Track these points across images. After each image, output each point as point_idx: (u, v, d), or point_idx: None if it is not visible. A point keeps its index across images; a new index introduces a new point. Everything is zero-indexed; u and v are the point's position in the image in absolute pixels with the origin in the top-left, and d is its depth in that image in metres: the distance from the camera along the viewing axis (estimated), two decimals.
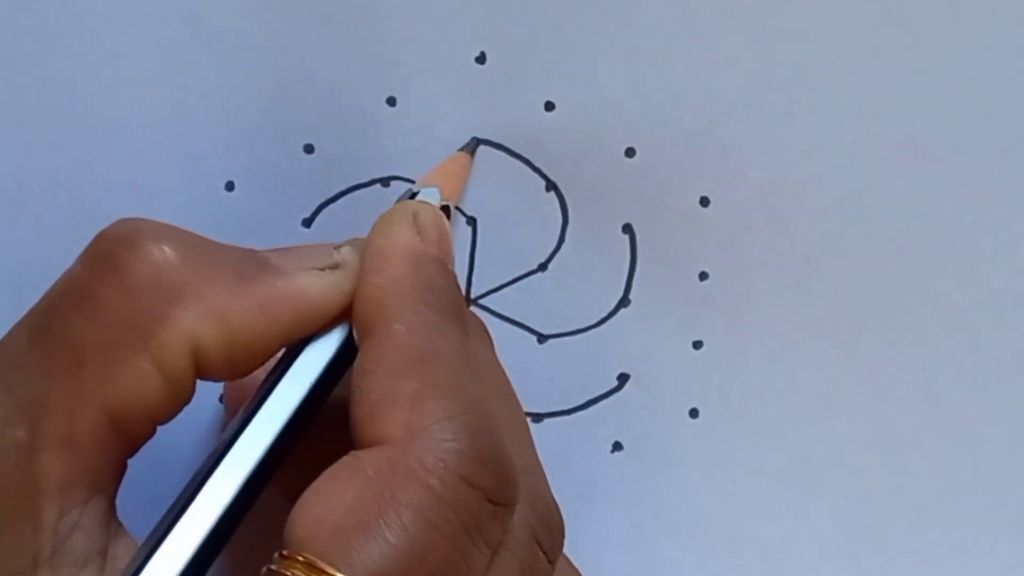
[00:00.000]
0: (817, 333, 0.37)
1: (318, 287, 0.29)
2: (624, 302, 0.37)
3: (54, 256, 0.37)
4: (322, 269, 0.29)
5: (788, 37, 0.36)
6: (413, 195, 0.33)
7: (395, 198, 0.37)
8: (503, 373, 0.32)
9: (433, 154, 0.37)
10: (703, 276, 0.37)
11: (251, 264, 0.29)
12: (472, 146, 0.36)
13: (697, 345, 0.37)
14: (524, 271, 0.37)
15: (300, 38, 0.37)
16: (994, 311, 0.37)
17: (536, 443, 0.37)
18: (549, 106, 0.36)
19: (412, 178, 0.37)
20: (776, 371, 0.37)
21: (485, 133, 0.37)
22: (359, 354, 0.28)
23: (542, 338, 0.37)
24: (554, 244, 0.37)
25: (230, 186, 0.37)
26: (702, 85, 0.36)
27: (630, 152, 0.37)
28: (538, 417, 0.37)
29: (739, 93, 0.36)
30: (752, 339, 0.37)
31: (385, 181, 0.37)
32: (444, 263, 0.30)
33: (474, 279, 0.37)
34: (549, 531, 0.29)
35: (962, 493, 0.37)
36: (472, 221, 0.37)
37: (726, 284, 0.37)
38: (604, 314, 0.37)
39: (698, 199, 0.37)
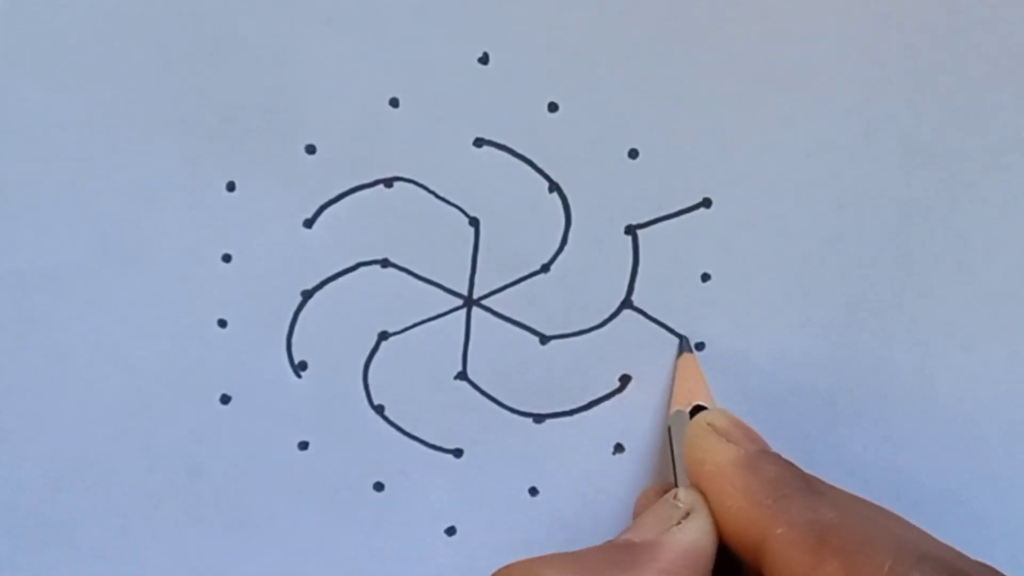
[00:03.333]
0: (818, 335, 0.37)
1: (693, 538, 0.31)
2: (626, 303, 0.37)
3: (54, 256, 0.37)
4: (679, 524, 0.31)
5: (789, 39, 0.36)
6: (690, 411, 0.34)
7: (397, 199, 0.37)
8: (861, 499, 0.33)
9: (435, 155, 0.37)
10: (705, 277, 0.37)
11: (627, 556, 0.30)
12: (686, 347, 0.37)
13: (699, 346, 0.37)
14: (527, 272, 0.37)
15: (302, 38, 0.37)
16: (992, 311, 0.37)
17: (537, 444, 0.37)
18: (552, 107, 0.36)
19: (414, 179, 0.37)
20: (778, 372, 0.37)
21: (488, 134, 0.37)
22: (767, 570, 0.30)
23: (544, 339, 0.37)
24: (557, 245, 0.37)
25: (231, 186, 0.37)
26: (704, 86, 0.36)
27: (633, 153, 0.37)
28: (539, 418, 0.37)
29: (741, 95, 0.36)
30: (754, 340, 0.37)
31: (388, 182, 0.37)
32: (764, 449, 0.32)
33: (476, 280, 0.37)
34: None
35: (963, 493, 0.38)
36: (475, 222, 0.37)
37: (728, 285, 0.37)
38: (606, 315, 0.37)
39: (701, 200, 0.37)
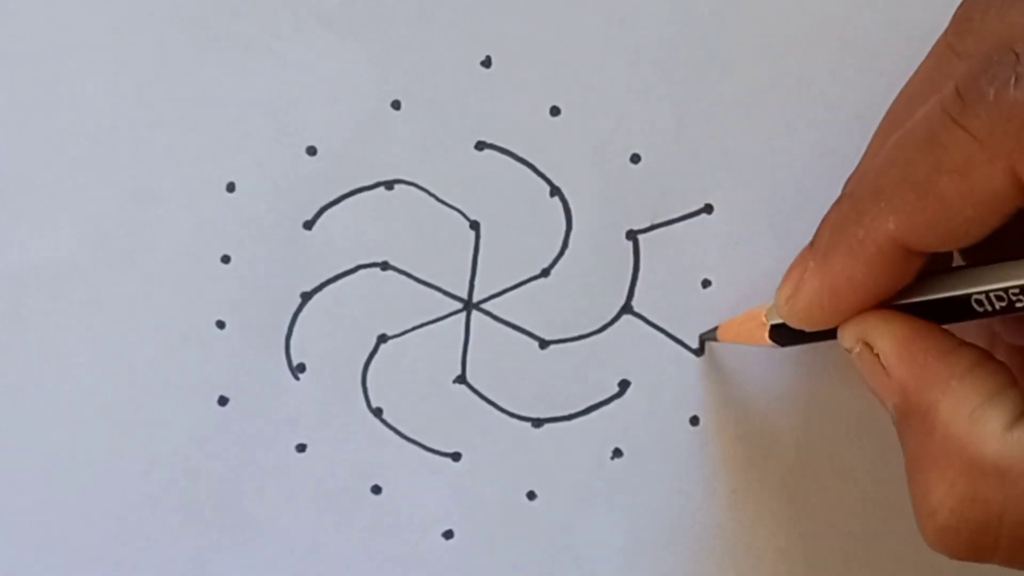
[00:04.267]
0: None
1: None
2: (626, 308, 0.37)
3: (52, 256, 0.37)
4: None
5: (792, 45, 0.36)
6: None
7: (397, 202, 0.37)
8: None
9: (436, 157, 0.37)
10: (706, 283, 0.37)
11: None
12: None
13: (698, 352, 0.37)
14: (527, 276, 0.37)
15: (304, 39, 0.37)
16: None
17: (535, 448, 0.37)
18: (554, 111, 0.36)
19: (416, 182, 0.37)
20: (776, 379, 0.37)
21: (489, 137, 0.37)
22: None
23: (544, 343, 0.37)
24: (557, 249, 0.37)
25: (231, 187, 0.37)
26: (707, 91, 0.36)
27: (635, 158, 0.37)
28: (538, 422, 0.37)
29: (743, 100, 0.36)
30: (754, 347, 0.37)
31: (388, 184, 0.37)
32: None
33: (476, 283, 0.37)
34: None
35: None
36: (475, 225, 0.37)
37: (729, 291, 0.37)
38: (606, 320, 0.37)
39: (702, 206, 0.37)
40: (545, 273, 0.37)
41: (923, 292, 0.31)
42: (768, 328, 0.33)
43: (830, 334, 0.32)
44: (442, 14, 0.36)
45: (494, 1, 0.36)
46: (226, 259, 0.37)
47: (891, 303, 0.31)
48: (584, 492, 0.37)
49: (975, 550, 0.29)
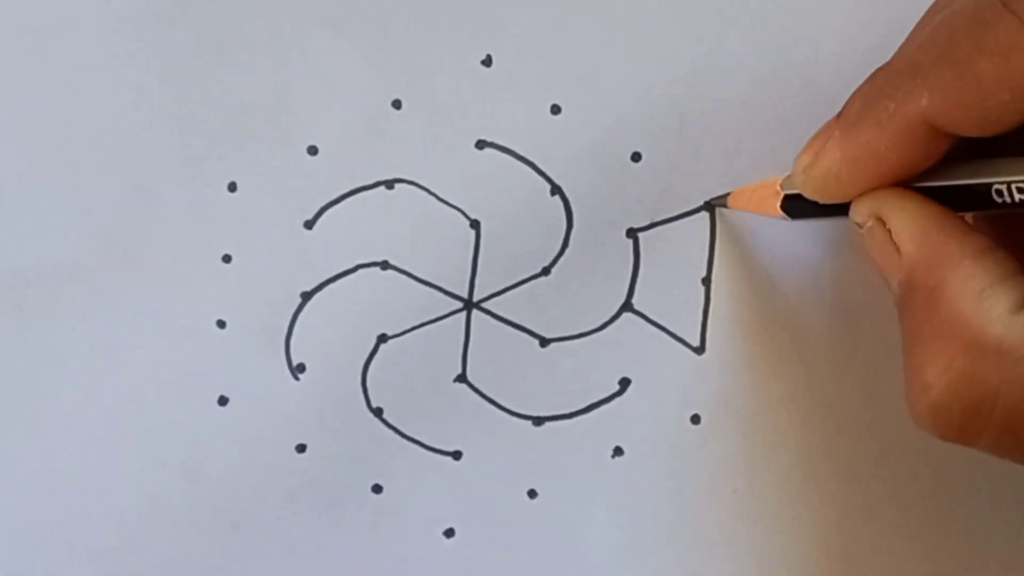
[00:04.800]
0: (819, 339, 0.37)
1: None
2: (627, 306, 0.37)
3: (53, 255, 0.37)
4: None
5: (793, 42, 0.36)
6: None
7: (398, 201, 0.37)
8: None
9: (437, 157, 0.37)
10: (706, 281, 0.37)
11: None
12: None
13: (699, 350, 0.37)
14: (527, 275, 0.37)
15: (305, 39, 0.37)
16: None
17: (536, 447, 0.37)
18: (555, 109, 0.37)
19: (416, 181, 0.37)
20: (778, 377, 0.37)
21: (490, 136, 0.37)
22: None
23: (544, 342, 0.37)
24: (558, 248, 0.37)
25: (232, 187, 0.37)
26: (707, 90, 0.36)
27: (635, 157, 0.37)
28: (539, 421, 0.37)
29: (743, 98, 0.36)
30: (754, 345, 0.37)
31: (389, 184, 0.37)
32: None
33: (477, 282, 0.37)
34: None
35: (962, 499, 0.38)
36: (476, 224, 0.37)
37: (729, 289, 0.37)
38: (607, 318, 0.37)
39: (702, 204, 0.37)
40: (546, 272, 0.37)
41: (943, 177, 0.30)
42: (781, 197, 0.33)
43: (842, 209, 0.32)
44: (442, 14, 0.36)
45: (494, 1, 0.36)
46: (227, 258, 0.37)
47: (909, 184, 0.31)
48: (585, 491, 0.37)
49: (964, 431, 0.28)
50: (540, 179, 0.37)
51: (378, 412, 0.37)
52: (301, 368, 0.37)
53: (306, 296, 0.37)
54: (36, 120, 0.37)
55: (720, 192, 0.36)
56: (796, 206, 0.33)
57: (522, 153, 0.37)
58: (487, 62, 0.37)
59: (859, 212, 0.31)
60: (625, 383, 0.37)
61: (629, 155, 0.37)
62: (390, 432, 0.37)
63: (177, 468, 0.38)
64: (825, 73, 0.36)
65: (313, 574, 0.38)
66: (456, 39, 0.36)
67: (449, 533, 0.37)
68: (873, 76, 0.31)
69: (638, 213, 0.37)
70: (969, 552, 0.38)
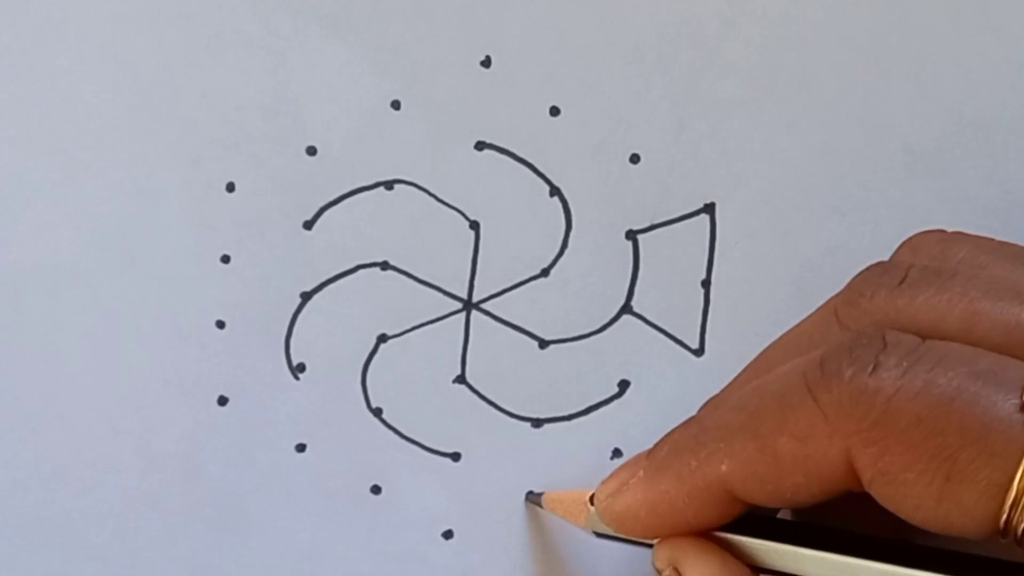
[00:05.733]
0: None
1: None
2: (626, 308, 0.37)
3: (52, 255, 0.37)
4: None
5: (791, 43, 0.36)
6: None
7: (397, 202, 0.37)
8: None
9: (436, 157, 0.37)
10: (705, 283, 0.37)
11: None
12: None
13: (698, 353, 0.37)
14: (526, 276, 0.37)
15: (304, 39, 0.37)
16: None
17: (535, 449, 0.37)
18: (554, 111, 0.36)
19: (415, 181, 0.37)
20: None
21: (489, 137, 0.37)
22: None
23: (543, 343, 0.37)
24: (557, 249, 0.37)
25: (231, 187, 0.37)
26: (706, 91, 0.36)
27: (635, 158, 0.36)
28: (537, 423, 0.37)
29: (743, 99, 0.36)
30: (754, 347, 0.37)
31: (388, 184, 0.37)
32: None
33: (476, 283, 0.37)
34: None
35: None
36: (475, 225, 0.37)
37: (729, 291, 0.37)
38: (606, 320, 0.37)
39: (702, 205, 0.37)
40: (545, 273, 0.37)
41: (743, 531, 0.31)
42: (587, 515, 0.33)
43: (644, 543, 0.32)
44: (442, 14, 0.36)
45: (494, 1, 0.36)
46: (226, 259, 0.37)
47: (710, 531, 0.31)
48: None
49: None
50: (539, 180, 0.37)
51: (377, 412, 0.37)
52: (301, 368, 0.37)
53: (306, 296, 0.37)
54: (36, 120, 0.37)
55: (719, 192, 0.36)
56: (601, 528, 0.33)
57: (521, 154, 0.37)
58: (487, 63, 0.36)
59: (659, 558, 0.31)
60: (624, 385, 0.37)
61: (628, 156, 0.37)
62: (389, 433, 0.37)
63: (177, 468, 0.38)
64: (825, 73, 0.36)
65: (311, 574, 0.38)
66: (456, 39, 0.36)
67: (448, 535, 0.37)
68: (687, 424, 0.31)
69: (637, 215, 0.37)
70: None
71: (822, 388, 0.28)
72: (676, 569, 0.31)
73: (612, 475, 0.32)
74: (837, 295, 0.31)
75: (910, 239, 0.32)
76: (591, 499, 0.33)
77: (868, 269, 0.31)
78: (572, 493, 0.35)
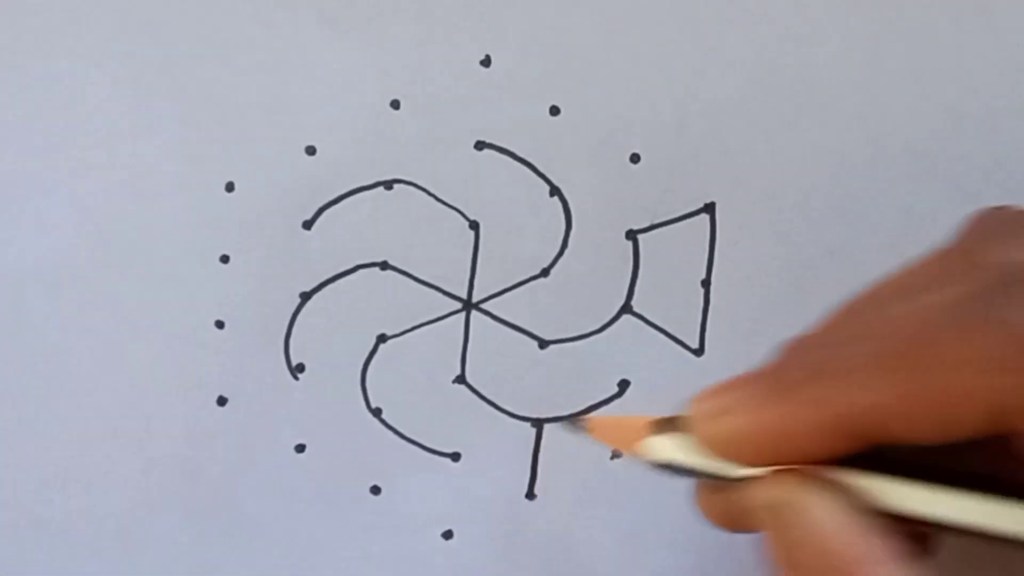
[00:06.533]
0: None
1: None
2: (626, 308, 0.37)
3: (52, 255, 0.37)
4: None
5: (792, 43, 0.36)
6: None
7: (397, 202, 0.37)
8: None
9: (436, 157, 0.37)
10: (705, 283, 0.37)
11: None
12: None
13: (698, 352, 0.37)
14: (526, 276, 0.37)
15: (304, 39, 0.37)
16: None
17: (535, 449, 0.37)
18: (554, 110, 0.36)
19: (415, 181, 0.37)
20: None
21: (489, 136, 0.37)
22: None
23: (543, 343, 0.37)
24: (557, 249, 0.37)
25: (230, 187, 0.37)
26: (707, 91, 0.36)
27: (634, 158, 0.37)
28: (538, 422, 0.37)
29: (743, 99, 0.36)
30: (754, 346, 0.37)
31: (388, 184, 0.37)
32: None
33: (476, 283, 0.37)
34: None
35: None
36: (475, 225, 0.37)
37: (729, 291, 0.37)
38: (606, 320, 0.37)
39: (702, 205, 0.37)
40: (545, 273, 0.37)
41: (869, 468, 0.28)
42: (645, 443, 0.30)
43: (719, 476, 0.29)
44: (442, 14, 0.36)
45: (494, 1, 0.36)
46: (225, 259, 0.37)
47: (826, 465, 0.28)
48: (585, 492, 0.37)
49: None
50: (539, 180, 0.37)
51: (377, 412, 0.37)
52: (300, 368, 0.37)
53: (305, 296, 0.37)
54: (35, 120, 0.37)
55: (719, 192, 0.36)
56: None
57: (521, 154, 0.37)
58: (486, 62, 0.36)
59: (764, 493, 0.28)
60: (624, 385, 0.37)
61: (628, 156, 0.37)
62: (389, 433, 0.37)
63: (176, 468, 0.38)
64: (825, 73, 0.36)
65: (311, 575, 0.38)
66: (455, 39, 0.36)
67: (448, 535, 0.37)
68: (800, 352, 0.28)
69: (637, 214, 0.37)
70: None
71: (978, 322, 0.26)
72: (790, 504, 0.27)
73: (707, 395, 0.29)
74: (959, 240, 0.29)
75: (980, 214, 0.30)
76: (654, 424, 0.30)
77: (982, 217, 0.29)
78: (625, 418, 0.30)
